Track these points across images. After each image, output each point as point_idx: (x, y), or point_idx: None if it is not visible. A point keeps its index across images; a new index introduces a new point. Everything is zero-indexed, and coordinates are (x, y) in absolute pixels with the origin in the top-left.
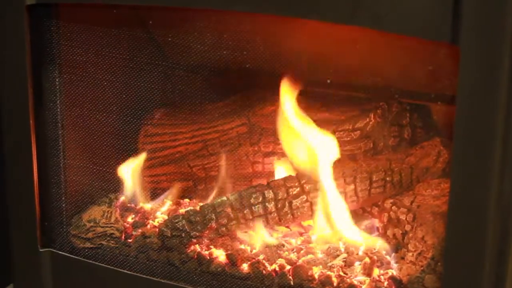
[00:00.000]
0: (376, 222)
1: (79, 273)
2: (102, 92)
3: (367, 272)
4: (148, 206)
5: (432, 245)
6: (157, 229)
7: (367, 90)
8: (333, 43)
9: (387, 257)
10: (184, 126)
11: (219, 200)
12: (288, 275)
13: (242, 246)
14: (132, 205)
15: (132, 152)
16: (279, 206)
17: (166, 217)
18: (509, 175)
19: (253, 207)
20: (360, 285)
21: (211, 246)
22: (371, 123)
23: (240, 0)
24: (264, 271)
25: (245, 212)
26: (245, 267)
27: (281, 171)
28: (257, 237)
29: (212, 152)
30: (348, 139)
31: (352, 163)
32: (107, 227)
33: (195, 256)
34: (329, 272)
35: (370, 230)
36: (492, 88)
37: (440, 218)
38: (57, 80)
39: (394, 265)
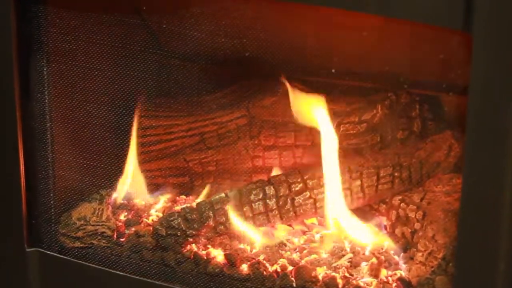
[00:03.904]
0: (384, 220)
1: (69, 274)
2: (93, 82)
3: (374, 273)
4: (141, 203)
5: (443, 245)
6: (151, 228)
7: (374, 80)
8: (338, 30)
9: (395, 257)
10: (179, 118)
11: (217, 196)
12: (290, 276)
13: (242, 246)
14: (125, 202)
15: (125, 146)
16: (280, 203)
17: (160, 214)
18: None
19: (253, 204)
20: (367, 287)
21: (209, 246)
22: (378, 115)
23: None
24: (265, 272)
25: (244, 209)
26: (244, 268)
27: None
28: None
29: (209, 146)
30: (354, 132)
31: (359, 158)
32: (98, 225)
33: (192, 256)
34: (333, 273)
35: (377, 228)
36: (506, 78)
37: (452, 215)
38: (45, 69)
39: (402, 265)
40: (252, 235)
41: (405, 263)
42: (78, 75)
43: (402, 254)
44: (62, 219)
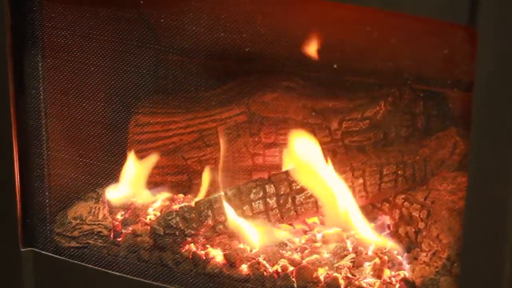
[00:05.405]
0: (387, 220)
1: (64, 275)
2: (89, 78)
3: (377, 273)
4: (139, 201)
5: (447, 244)
6: (148, 227)
7: (377, 76)
8: (340, 25)
9: (399, 257)
10: (178, 115)
11: (216, 195)
12: (291, 277)
13: (241, 246)
14: (122, 200)
15: (122, 143)
16: (281, 202)
17: (158, 213)
18: None
19: (253, 203)
20: (370, 287)
21: (208, 246)
22: (381, 111)
23: None
24: (265, 273)
25: (244, 208)
26: (244, 268)
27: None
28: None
29: (208, 143)
30: (357, 129)
31: (361, 155)
32: (94, 224)
33: (190, 256)
34: (335, 274)
35: (380, 228)
36: None
37: (457, 214)
38: (40, 65)
39: (406, 266)
40: (252, 235)
41: (408, 263)
42: (74, 71)
43: (405, 254)
44: (58, 218)
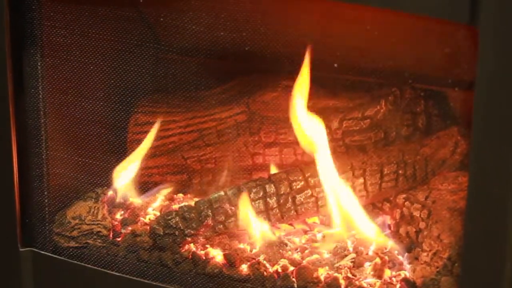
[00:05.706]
0: (388, 219)
1: (63, 275)
2: (88, 77)
3: (378, 273)
4: (138, 201)
5: (448, 244)
6: (148, 227)
7: (378, 75)
8: (341, 23)
9: (400, 257)
10: (177, 114)
11: (216, 195)
12: (291, 277)
13: (241, 246)
14: (121, 200)
15: (121, 142)
16: (281, 201)
17: (158, 213)
18: None
19: (253, 203)
20: (370, 287)
21: (207, 246)
22: (382, 111)
23: None
24: (265, 273)
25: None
26: (244, 268)
27: None
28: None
29: (208, 143)
30: (357, 128)
31: (362, 155)
32: (93, 224)
33: (190, 256)
34: (336, 274)
35: (381, 228)
36: None
37: (458, 214)
38: (39, 64)
39: (407, 266)
40: (252, 235)
41: (409, 263)
42: (73, 70)
43: (406, 254)
44: (57, 218)
